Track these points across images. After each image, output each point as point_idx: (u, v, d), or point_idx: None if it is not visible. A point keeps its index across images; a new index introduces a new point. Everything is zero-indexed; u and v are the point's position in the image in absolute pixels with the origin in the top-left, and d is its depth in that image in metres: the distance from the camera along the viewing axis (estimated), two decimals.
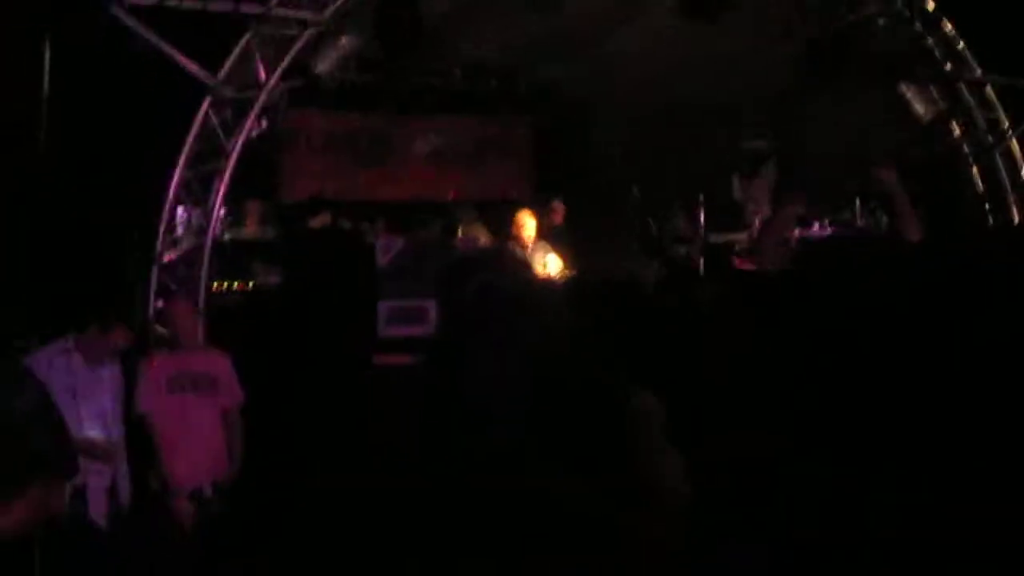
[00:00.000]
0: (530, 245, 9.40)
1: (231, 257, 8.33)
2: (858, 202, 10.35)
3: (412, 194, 12.57)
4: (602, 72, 12.24)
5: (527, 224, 9.49)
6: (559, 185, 13.49)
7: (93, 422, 5.72)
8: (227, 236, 8.34)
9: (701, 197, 10.20)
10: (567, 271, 9.25)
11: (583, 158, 14.11)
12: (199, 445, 6.10)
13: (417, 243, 7.92)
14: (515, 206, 11.00)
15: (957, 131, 10.82)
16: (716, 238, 10.58)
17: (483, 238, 10.28)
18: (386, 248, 7.49)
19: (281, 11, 7.24)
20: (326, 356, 7.11)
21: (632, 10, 10.46)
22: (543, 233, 9.81)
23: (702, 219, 10.50)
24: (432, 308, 7.66)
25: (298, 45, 7.24)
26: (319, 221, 10.20)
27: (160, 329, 7.04)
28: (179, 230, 7.61)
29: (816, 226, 10.10)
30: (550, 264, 9.26)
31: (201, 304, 7.27)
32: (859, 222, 10.13)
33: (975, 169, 10.85)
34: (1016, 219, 10.67)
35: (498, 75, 13.18)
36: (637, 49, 11.51)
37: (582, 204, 12.66)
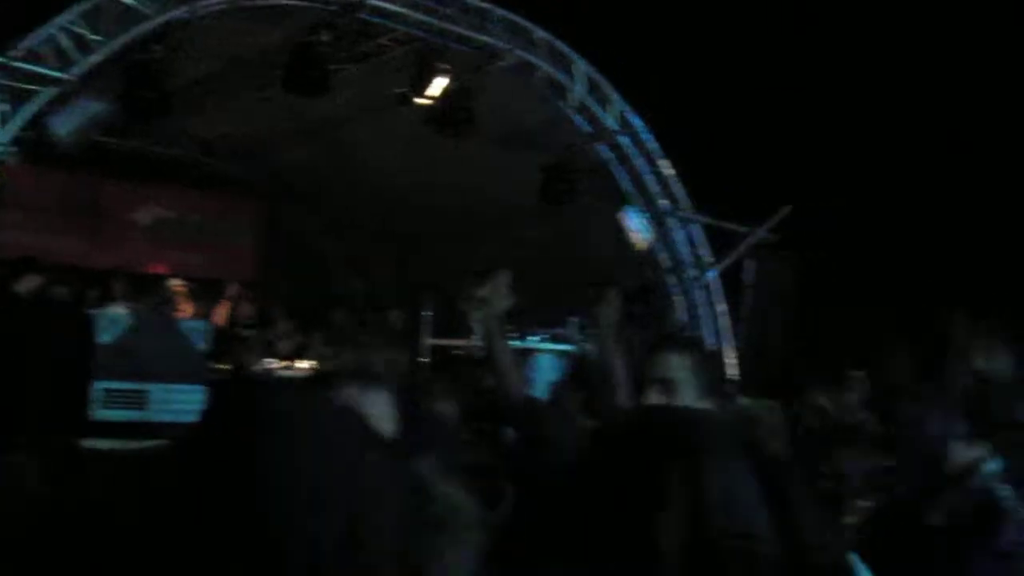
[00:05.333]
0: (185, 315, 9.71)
1: None
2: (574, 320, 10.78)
3: (127, 265, 11.95)
4: (337, 160, 12.32)
5: (180, 294, 10.06)
6: (282, 268, 13.37)
7: None
8: None
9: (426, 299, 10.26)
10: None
11: (306, 243, 14.05)
12: None
13: (143, 321, 7.53)
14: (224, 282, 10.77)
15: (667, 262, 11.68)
16: (436, 342, 10.64)
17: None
18: (110, 324, 7.07)
19: (24, 65, 6.82)
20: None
21: (378, 111, 10.65)
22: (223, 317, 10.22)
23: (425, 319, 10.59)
24: (152, 391, 7.33)
25: (40, 101, 6.84)
26: (27, 284, 9.50)
27: None
28: None
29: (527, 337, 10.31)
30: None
31: None
32: (570, 339, 10.46)
33: (677, 298, 11.75)
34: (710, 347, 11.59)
35: (232, 153, 12.96)
36: (373, 140, 11.68)
37: (304, 290, 12.57)
